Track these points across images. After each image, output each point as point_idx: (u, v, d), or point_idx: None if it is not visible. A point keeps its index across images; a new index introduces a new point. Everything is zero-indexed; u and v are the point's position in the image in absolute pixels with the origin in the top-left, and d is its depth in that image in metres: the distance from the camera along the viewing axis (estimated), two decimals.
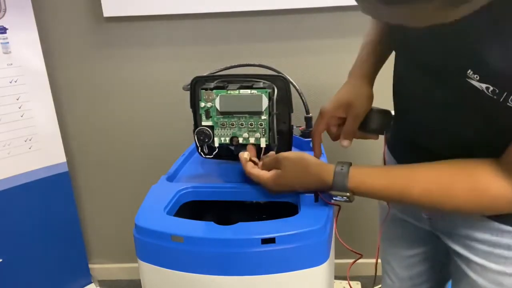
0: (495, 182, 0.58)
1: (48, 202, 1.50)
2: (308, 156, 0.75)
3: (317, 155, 0.85)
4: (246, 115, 0.88)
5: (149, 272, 0.80)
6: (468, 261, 0.72)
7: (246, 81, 0.90)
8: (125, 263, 1.79)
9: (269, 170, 0.80)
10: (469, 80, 0.53)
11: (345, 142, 0.81)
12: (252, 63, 1.02)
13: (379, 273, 1.54)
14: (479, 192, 0.59)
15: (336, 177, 0.69)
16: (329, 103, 0.81)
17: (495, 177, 0.58)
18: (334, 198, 0.71)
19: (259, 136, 0.89)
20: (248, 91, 0.88)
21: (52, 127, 1.48)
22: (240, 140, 0.89)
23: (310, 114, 1.08)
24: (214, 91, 0.89)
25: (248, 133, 0.88)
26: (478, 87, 0.52)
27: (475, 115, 0.59)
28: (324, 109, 0.81)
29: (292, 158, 0.75)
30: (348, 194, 0.68)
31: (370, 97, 0.80)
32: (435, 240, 0.81)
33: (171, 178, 0.95)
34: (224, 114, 0.89)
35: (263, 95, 0.87)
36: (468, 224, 0.70)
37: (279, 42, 1.46)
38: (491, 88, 0.51)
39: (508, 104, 0.51)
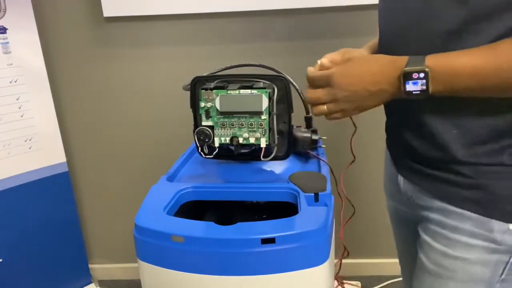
0: None
1: (48, 202, 1.50)
2: None
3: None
4: (246, 115, 0.88)
5: (149, 272, 0.80)
6: (422, 241, 0.74)
7: (246, 81, 0.90)
8: (125, 263, 1.79)
9: None
10: None
11: (325, 60, 0.81)
12: (252, 63, 1.02)
13: (380, 273, 1.53)
14: None
15: (410, 56, 0.62)
16: None
17: None
18: (406, 85, 0.61)
19: (259, 136, 0.89)
20: (248, 91, 0.88)
21: (52, 127, 1.48)
22: (240, 140, 0.89)
23: (310, 114, 1.08)
24: (214, 91, 0.89)
25: (248, 133, 0.88)
26: None
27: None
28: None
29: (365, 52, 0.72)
30: (425, 68, 0.59)
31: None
32: None
33: (171, 178, 0.95)
34: (224, 114, 0.89)
35: (263, 95, 0.87)
36: (428, 207, 0.72)
37: (279, 42, 1.46)
38: None
39: None
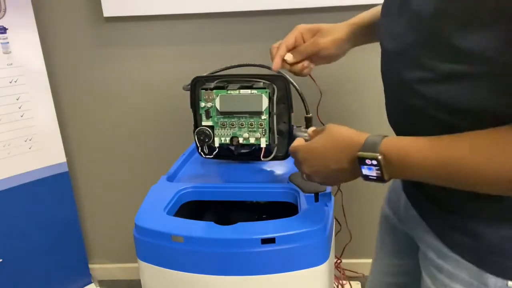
0: None
1: (48, 202, 1.50)
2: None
3: (276, 67, 0.84)
4: (246, 115, 0.88)
5: (149, 272, 0.80)
6: (423, 279, 0.70)
7: (246, 81, 0.91)
8: (125, 263, 1.79)
9: None
10: None
11: (290, 57, 0.83)
12: (252, 63, 1.02)
13: None
14: None
15: (369, 137, 0.58)
16: (305, 24, 0.85)
17: None
18: (362, 169, 0.58)
19: (259, 136, 0.89)
20: (248, 91, 0.88)
21: (52, 127, 1.48)
22: (240, 140, 0.89)
23: (310, 114, 1.08)
24: (214, 91, 0.89)
25: (248, 133, 0.89)
26: None
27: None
28: (299, 25, 0.85)
29: (336, 126, 0.65)
30: (378, 155, 0.55)
31: (339, 43, 0.83)
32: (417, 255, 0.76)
33: (171, 178, 0.95)
34: (224, 114, 0.89)
35: (263, 95, 0.87)
36: (425, 240, 0.68)
37: None
38: None
39: None
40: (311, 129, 0.73)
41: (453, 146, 0.52)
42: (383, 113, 0.70)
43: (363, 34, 0.85)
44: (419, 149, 0.54)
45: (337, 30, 0.83)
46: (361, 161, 0.57)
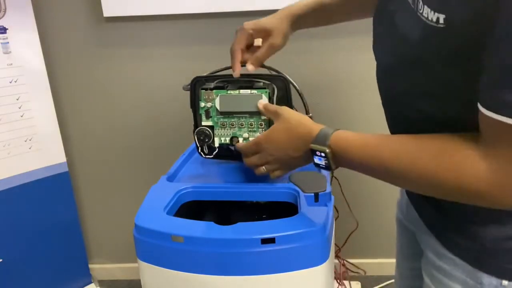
0: (471, 157, 0.49)
1: (48, 202, 1.50)
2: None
3: (237, 74, 0.88)
4: (246, 115, 0.88)
5: (149, 272, 0.80)
6: (424, 282, 0.70)
7: (246, 81, 0.90)
8: (125, 263, 1.79)
9: None
10: (420, 16, 0.51)
11: (251, 67, 0.89)
12: None
13: (380, 273, 1.53)
14: (447, 159, 0.52)
15: (322, 130, 0.65)
16: (250, 23, 0.88)
17: (472, 152, 0.49)
18: (314, 158, 0.65)
19: None
20: (248, 91, 0.88)
21: (52, 127, 1.48)
22: (240, 140, 0.89)
23: (310, 114, 1.08)
24: (214, 91, 0.89)
25: (248, 133, 0.89)
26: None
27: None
28: (245, 24, 0.87)
29: (293, 114, 0.74)
30: (326, 149, 0.62)
31: (287, 36, 0.89)
32: None
33: (171, 178, 0.95)
34: (224, 114, 0.89)
35: (263, 95, 0.87)
36: (425, 241, 0.69)
37: None
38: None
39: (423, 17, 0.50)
40: (263, 103, 0.82)
41: (392, 146, 0.57)
42: (375, 113, 0.70)
43: (301, 22, 0.91)
44: (365, 146, 0.60)
45: (282, 25, 0.89)
46: (313, 151, 0.65)
